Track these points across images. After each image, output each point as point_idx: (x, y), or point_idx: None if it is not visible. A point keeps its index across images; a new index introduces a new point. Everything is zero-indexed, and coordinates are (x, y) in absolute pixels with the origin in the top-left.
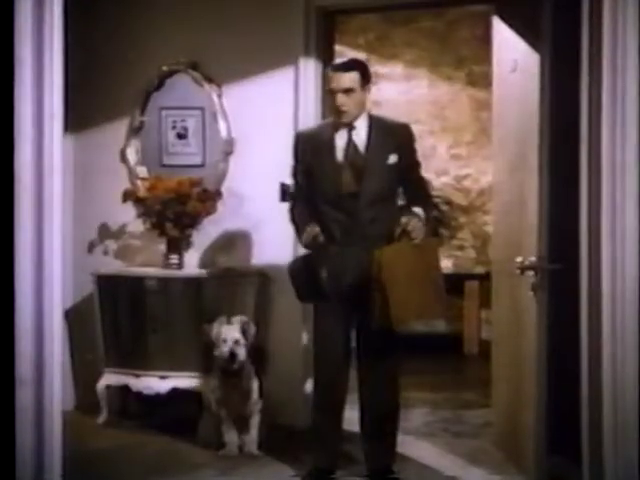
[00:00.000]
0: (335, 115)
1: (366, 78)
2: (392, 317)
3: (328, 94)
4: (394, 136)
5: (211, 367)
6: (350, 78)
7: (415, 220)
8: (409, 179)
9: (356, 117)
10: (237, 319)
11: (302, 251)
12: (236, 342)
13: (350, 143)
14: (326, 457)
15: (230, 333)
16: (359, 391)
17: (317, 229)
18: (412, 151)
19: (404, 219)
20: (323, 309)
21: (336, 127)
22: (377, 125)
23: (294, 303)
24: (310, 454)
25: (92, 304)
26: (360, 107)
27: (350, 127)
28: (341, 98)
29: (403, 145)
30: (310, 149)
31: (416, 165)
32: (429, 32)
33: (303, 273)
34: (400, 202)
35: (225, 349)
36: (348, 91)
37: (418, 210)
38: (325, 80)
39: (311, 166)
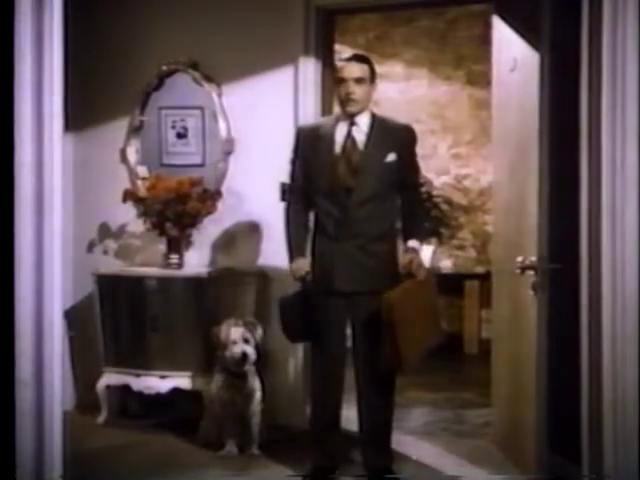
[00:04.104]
0: (343, 104)
1: (374, 73)
2: (402, 359)
3: (337, 84)
4: (395, 136)
5: (214, 367)
6: (362, 68)
7: (418, 259)
8: (406, 185)
9: (361, 110)
10: (245, 320)
11: None
12: (247, 343)
13: (349, 137)
14: (326, 456)
15: (240, 334)
16: (357, 394)
17: (306, 266)
18: (411, 153)
19: (407, 258)
20: (320, 313)
21: (337, 120)
22: (379, 124)
23: None
24: (310, 454)
25: (92, 304)
26: (366, 100)
27: (352, 122)
28: (352, 86)
29: (403, 146)
30: (309, 142)
31: (414, 169)
32: (429, 31)
33: (293, 312)
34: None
35: (237, 350)
36: (359, 81)
37: (414, 244)
38: (335, 70)
39: (309, 159)
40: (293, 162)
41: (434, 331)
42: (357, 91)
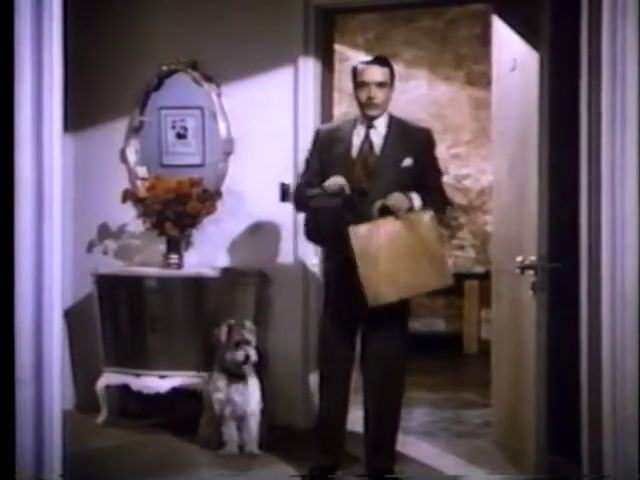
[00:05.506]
0: (363, 107)
1: (394, 76)
2: (366, 293)
3: (358, 87)
4: (412, 140)
5: (213, 367)
6: (384, 72)
7: (397, 196)
8: (425, 186)
9: (381, 112)
10: (245, 322)
11: (301, 250)
12: (248, 344)
13: (366, 141)
14: (328, 456)
15: (242, 335)
16: (364, 396)
17: (342, 180)
18: (429, 157)
19: (395, 195)
20: (330, 311)
21: (356, 123)
22: (396, 127)
23: (294, 303)
24: (313, 453)
25: (92, 304)
26: (386, 103)
27: (369, 125)
28: (374, 90)
29: (420, 150)
30: (327, 144)
31: (434, 172)
32: (428, 31)
33: (323, 213)
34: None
35: (239, 352)
36: (381, 85)
37: (414, 195)
38: (355, 73)
39: (325, 161)
40: (307, 162)
41: (424, 273)
42: (378, 95)
